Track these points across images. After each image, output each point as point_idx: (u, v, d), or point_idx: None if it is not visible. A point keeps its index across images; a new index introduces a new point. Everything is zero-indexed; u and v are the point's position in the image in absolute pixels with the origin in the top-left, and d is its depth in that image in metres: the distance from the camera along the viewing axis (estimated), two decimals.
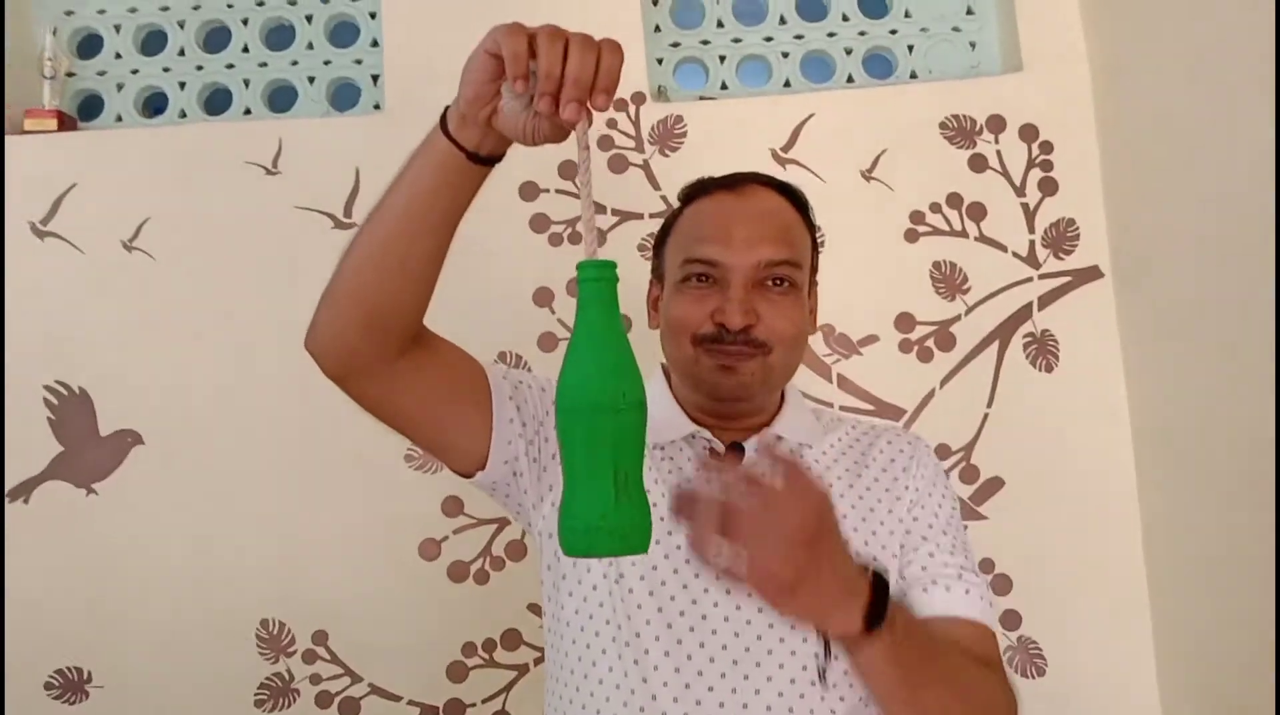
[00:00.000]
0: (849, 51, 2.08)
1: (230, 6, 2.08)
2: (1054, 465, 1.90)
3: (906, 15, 2.09)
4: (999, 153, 1.96)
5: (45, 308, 1.89)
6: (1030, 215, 1.95)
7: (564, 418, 0.75)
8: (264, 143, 1.94)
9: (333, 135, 1.96)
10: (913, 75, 2.08)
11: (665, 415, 1.12)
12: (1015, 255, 1.95)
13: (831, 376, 1.92)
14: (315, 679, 1.85)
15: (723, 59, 2.08)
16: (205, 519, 1.86)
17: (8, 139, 1.92)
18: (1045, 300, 1.94)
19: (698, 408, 1.13)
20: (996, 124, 1.96)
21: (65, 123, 1.97)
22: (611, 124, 1.95)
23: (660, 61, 2.07)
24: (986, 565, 1.87)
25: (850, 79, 2.08)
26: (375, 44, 2.07)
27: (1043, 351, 1.93)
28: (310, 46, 2.09)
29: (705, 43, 2.08)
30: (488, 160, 0.88)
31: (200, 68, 2.07)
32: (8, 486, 1.86)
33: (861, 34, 2.09)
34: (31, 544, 1.85)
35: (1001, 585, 1.88)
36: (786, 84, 2.08)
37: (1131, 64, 1.85)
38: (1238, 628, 1.58)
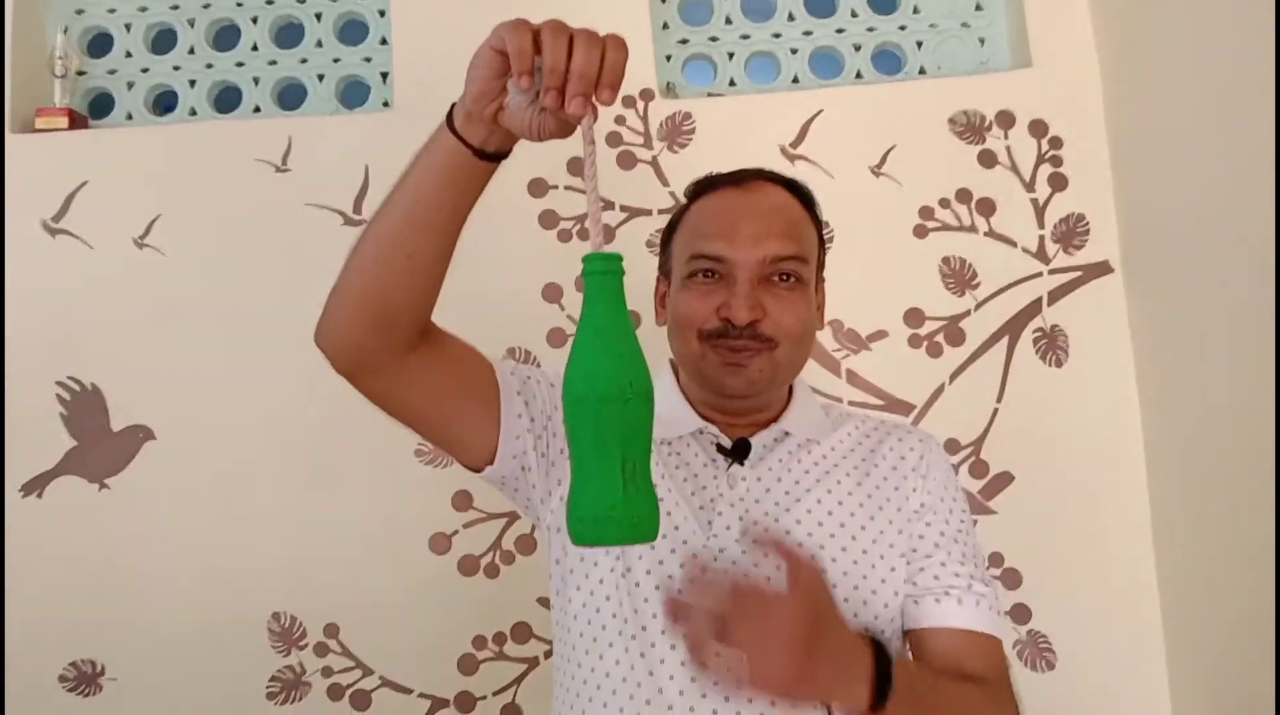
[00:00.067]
0: (858, 47, 2.08)
1: (240, 5, 2.09)
2: (1064, 460, 1.90)
3: (915, 11, 2.09)
4: (1008, 148, 1.95)
5: (57, 305, 1.91)
6: (1040, 210, 1.95)
7: (571, 408, 0.76)
8: (274, 140, 1.95)
9: (342, 133, 1.97)
10: (921, 71, 2.08)
11: (673, 411, 1.12)
12: (1025, 250, 1.94)
13: (841, 372, 1.92)
14: (327, 672, 1.86)
15: (731, 55, 2.08)
16: (217, 513, 1.88)
17: (21, 137, 1.94)
18: (1055, 295, 1.93)
19: (705, 404, 1.13)
20: (1006, 119, 1.96)
21: (76, 121, 1.98)
22: (620, 120, 1.96)
23: (669, 58, 2.07)
24: (996, 560, 1.87)
25: (859, 75, 2.08)
26: (384, 41, 2.08)
27: (1052, 347, 1.92)
28: (320, 44, 2.10)
29: (714, 39, 2.09)
30: (494, 157, 0.88)
31: (210, 66, 2.09)
32: (21, 481, 1.88)
33: (870, 30, 2.09)
34: (45, 538, 1.87)
35: (1011, 579, 1.88)
36: (795, 80, 2.08)
37: (1141, 59, 1.84)
38: (1248, 622, 1.57)
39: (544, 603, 1.84)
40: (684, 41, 2.08)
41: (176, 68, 2.09)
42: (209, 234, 1.93)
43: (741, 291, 1.03)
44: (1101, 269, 1.94)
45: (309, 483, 1.89)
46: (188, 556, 1.87)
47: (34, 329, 1.90)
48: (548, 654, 1.86)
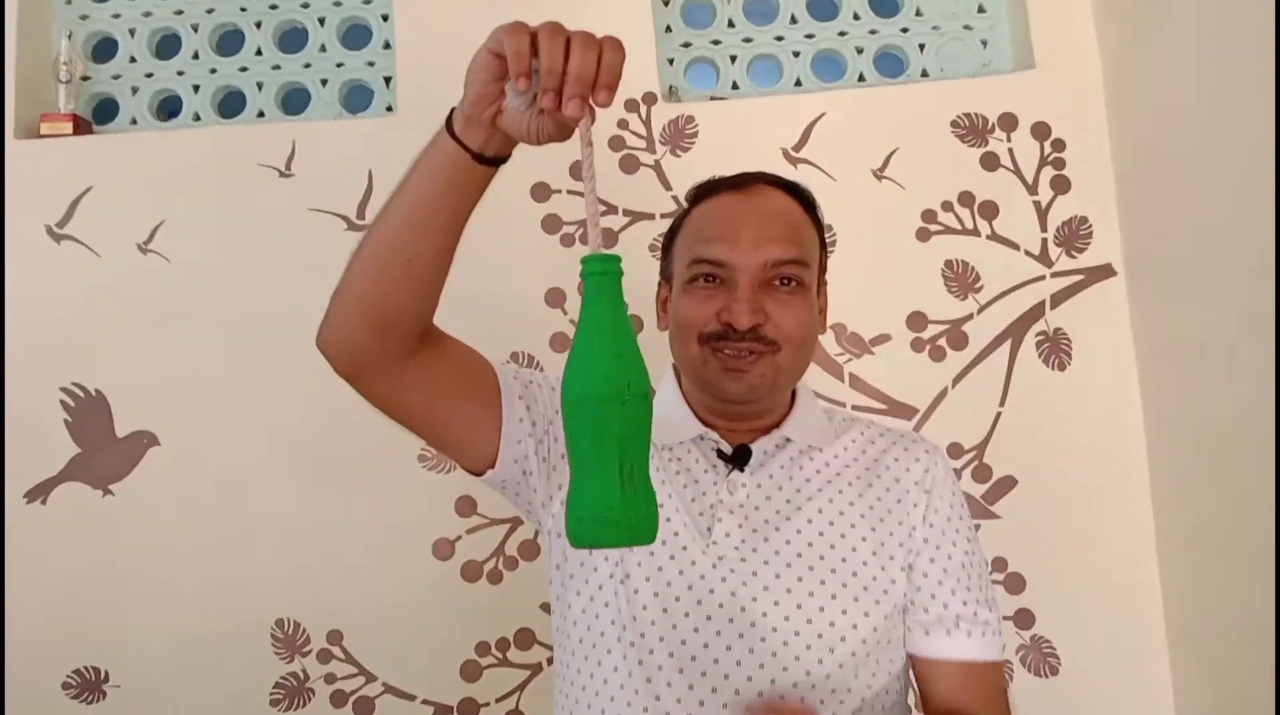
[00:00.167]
0: (860, 50, 2.08)
1: (243, 10, 2.10)
2: (1067, 464, 1.89)
3: (918, 14, 2.09)
4: (1011, 151, 1.95)
5: (61, 310, 1.91)
6: (1043, 213, 1.94)
7: (569, 409, 0.75)
8: (277, 145, 1.95)
9: (346, 137, 1.97)
10: (924, 74, 2.08)
11: (674, 416, 1.12)
12: (1028, 253, 1.94)
13: (844, 376, 1.92)
14: (330, 678, 1.86)
15: (734, 59, 2.08)
16: (220, 519, 1.88)
17: (25, 143, 1.94)
18: (1058, 298, 1.93)
19: (707, 409, 1.12)
20: (1008, 122, 1.96)
21: (80, 126, 1.99)
22: (623, 124, 1.96)
23: (671, 62, 2.07)
24: (999, 564, 1.87)
25: (861, 78, 2.08)
26: (388, 46, 2.08)
27: (1055, 350, 1.92)
28: (323, 49, 2.10)
29: (716, 43, 2.09)
30: (493, 161, 0.88)
31: (214, 71, 2.09)
32: (25, 487, 1.88)
33: (873, 33, 2.09)
34: (48, 545, 1.87)
35: (1014, 584, 1.87)
36: (798, 83, 2.08)
37: (1144, 61, 1.84)
38: (1251, 626, 1.57)
39: (547, 609, 1.84)
40: (686, 45, 2.08)
41: (180, 73, 2.09)
42: (213, 239, 1.93)
43: (743, 295, 1.03)
44: (1104, 272, 1.93)
45: (313, 488, 1.89)
46: (191, 562, 1.87)
47: (38, 335, 1.91)
48: (551, 660, 1.85)
